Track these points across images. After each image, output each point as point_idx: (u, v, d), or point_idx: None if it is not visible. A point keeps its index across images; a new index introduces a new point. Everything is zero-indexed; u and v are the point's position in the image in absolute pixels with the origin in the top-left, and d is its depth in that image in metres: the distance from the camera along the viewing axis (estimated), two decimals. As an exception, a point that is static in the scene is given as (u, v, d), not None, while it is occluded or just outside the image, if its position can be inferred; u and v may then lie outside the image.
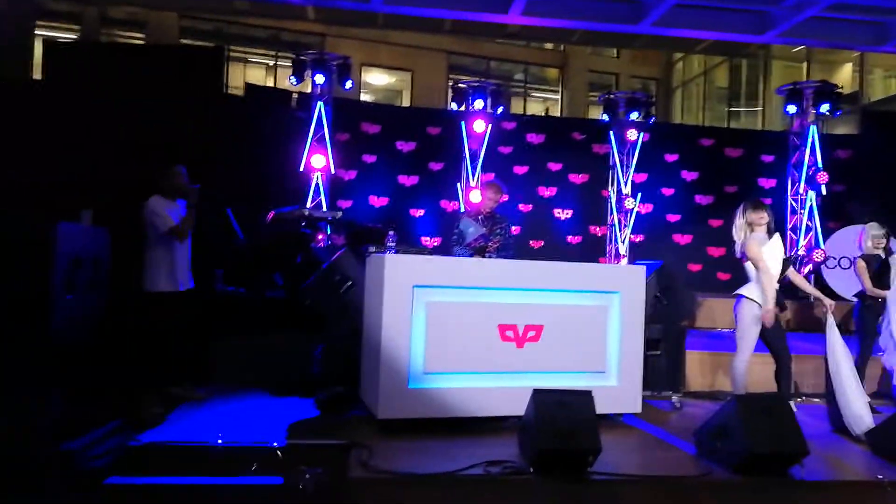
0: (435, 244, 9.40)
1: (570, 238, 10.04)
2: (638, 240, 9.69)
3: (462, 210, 8.51)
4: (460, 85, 9.12)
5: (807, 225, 8.91)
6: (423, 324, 4.16)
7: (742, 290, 4.94)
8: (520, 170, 9.93)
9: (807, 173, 8.88)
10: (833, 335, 4.64)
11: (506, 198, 9.40)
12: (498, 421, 4.26)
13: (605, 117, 9.46)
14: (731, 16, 9.12)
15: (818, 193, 8.85)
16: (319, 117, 8.13)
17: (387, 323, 4.07)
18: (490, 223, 5.88)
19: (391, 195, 9.37)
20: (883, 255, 5.62)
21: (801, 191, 8.96)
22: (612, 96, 9.48)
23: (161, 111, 7.49)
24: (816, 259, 8.63)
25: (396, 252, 4.44)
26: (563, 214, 10.05)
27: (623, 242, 9.30)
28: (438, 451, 3.75)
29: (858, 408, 4.43)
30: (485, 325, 4.30)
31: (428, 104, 14.16)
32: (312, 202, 7.73)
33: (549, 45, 20.34)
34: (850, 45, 10.01)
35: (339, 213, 6.56)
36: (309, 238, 6.72)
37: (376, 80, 19.05)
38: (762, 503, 3.44)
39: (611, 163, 9.51)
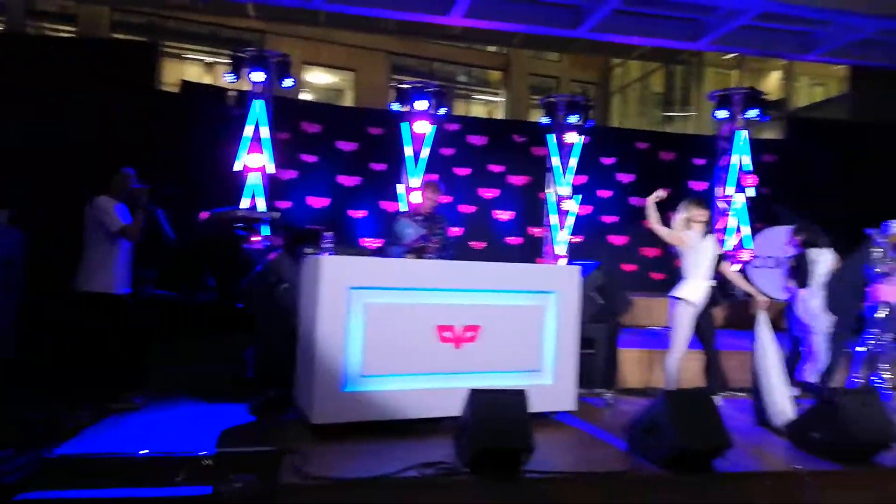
0: (376, 246, 9.32)
1: (510, 239, 10.14)
2: (576, 241, 9.86)
3: (401, 211, 8.47)
4: (402, 86, 9.06)
5: (735, 226, 9.26)
6: (361, 326, 4.12)
7: (675, 292, 5.13)
8: (462, 171, 9.96)
9: (735, 176, 9.23)
10: (763, 331, 4.82)
11: (448, 199, 9.51)
12: (435, 422, 4.26)
13: (545, 120, 9.59)
14: (666, 23, 9.40)
15: (746, 196, 9.21)
16: (258, 116, 7.94)
17: (322, 325, 4.01)
18: (430, 224, 5.88)
19: (332, 196, 9.24)
20: (802, 254, 5.88)
21: (729, 193, 9.30)
22: (551, 99, 9.61)
23: (89, 107, 7.22)
24: (743, 259, 8.98)
25: (333, 253, 4.39)
26: (503, 216, 10.13)
27: (562, 243, 9.44)
28: (374, 454, 3.73)
29: (782, 401, 4.63)
30: (423, 326, 4.30)
31: (371, 104, 14.06)
32: (249, 203, 7.54)
33: (492, 48, 20.52)
34: (777, 54, 10.46)
35: (277, 214, 6.43)
36: (244, 239, 6.57)
37: (318, 79, 18.80)
38: (689, 497, 3.54)
39: (550, 165, 9.65)
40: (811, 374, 5.50)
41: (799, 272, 5.83)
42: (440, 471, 3.43)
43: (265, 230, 7.00)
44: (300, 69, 17.33)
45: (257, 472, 3.24)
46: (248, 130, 7.77)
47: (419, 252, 5.71)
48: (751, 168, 9.19)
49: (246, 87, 8.29)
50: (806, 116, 13.87)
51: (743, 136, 9.22)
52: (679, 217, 5.17)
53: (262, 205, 7.53)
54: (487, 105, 21.15)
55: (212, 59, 17.31)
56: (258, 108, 7.86)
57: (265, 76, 7.72)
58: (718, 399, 5.00)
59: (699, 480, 3.59)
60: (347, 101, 18.32)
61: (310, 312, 4.21)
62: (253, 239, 6.77)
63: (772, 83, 16.72)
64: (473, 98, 21.21)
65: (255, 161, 7.68)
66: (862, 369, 6.00)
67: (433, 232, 5.84)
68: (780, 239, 8.09)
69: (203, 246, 6.51)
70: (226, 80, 8.20)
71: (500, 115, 20.18)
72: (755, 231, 9.33)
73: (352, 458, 3.69)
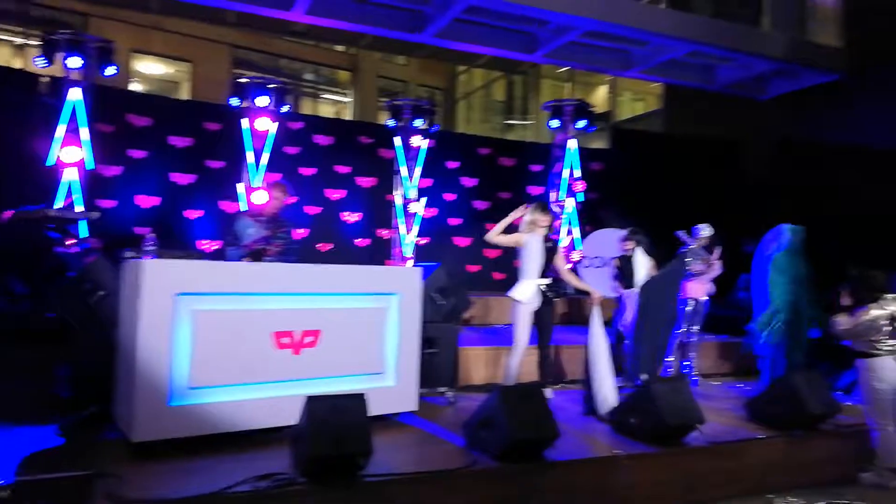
0: (214, 248, 8.84)
1: (358, 241, 10.07)
2: (423, 243, 10.02)
3: (243, 210, 8.10)
4: (242, 80, 8.67)
5: (567, 228, 9.92)
6: (189, 335, 3.86)
7: (511, 293, 5.34)
8: (307, 171, 9.73)
9: (567, 182, 9.88)
10: (595, 325, 5.15)
11: (294, 199, 9.23)
12: (274, 432, 4.11)
13: (392, 123, 9.64)
14: (505, 34, 9.81)
15: (576, 200, 9.89)
16: (75, 106, 7.19)
17: (144, 336, 3.71)
18: (273, 226, 5.66)
19: (163, 195, 8.62)
20: (630, 256, 6.38)
21: (561, 198, 9.94)
22: (397, 103, 9.68)
23: None
24: (574, 259, 9.62)
25: (157, 257, 4.07)
26: (351, 217, 10.05)
27: (408, 245, 9.55)
28: (204, 470, 3.51)
29: (607, 390, 4.98)
30: (258, 333, 4.12)
31: (211, 99, 13.30)
32: (63, 201, 6.80)
33: (340, 48, 20.29)
34: (602, 69, 11.30)
35: (97, 214, 5.83)
36: (56, 242, 5.91)
37: (151, 70, 17.47)
38: (520, 487, 3.71)
39: (396, 167, 9.72)
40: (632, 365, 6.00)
41: (623, 274, 6.33)
42: (276, 482, 3.30)
43: (82, 231, 6.35)
44: (129, 57, 16.02)
45: (63, 500, 2.92)
46: (64, 122, 7.02)
47: (258, 255, 5.48)
48: (579, 175, 9.88)
49: (62, 73, 7.50)
50: (628, 128, 15.13)
51: (573, 145, 9.88)
52: (524, 220, 5.43)
53: (79, 204, 6.83)
54: (336, 105, 20.88)
55: (22, 41, 15.46)
56: (75, 97, 7.13)
57: (82, 62, 7.01)
58: (549, 392, 5.30)
59: (530, 470, 3.77)
60: (184, 93, 17.21)
61: (131, 322, 3.87)
62: (67, 241, 6.10)
63: (600, 96, 18.09)
64: (322, 97, 20.84)
65: (71, 155, 6.96)
66: (673, 358, 6.67)
67: (275, 234, 5.62)
68: (606, 241, 8.78)
69: (7, 249, 5.78)
70: (37, 64, 7.35)
71: (348, 115, 20.01)
72: (584, 233, 10.03)
73: (179, 476, 3.44)
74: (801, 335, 6.48)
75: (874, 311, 4.47)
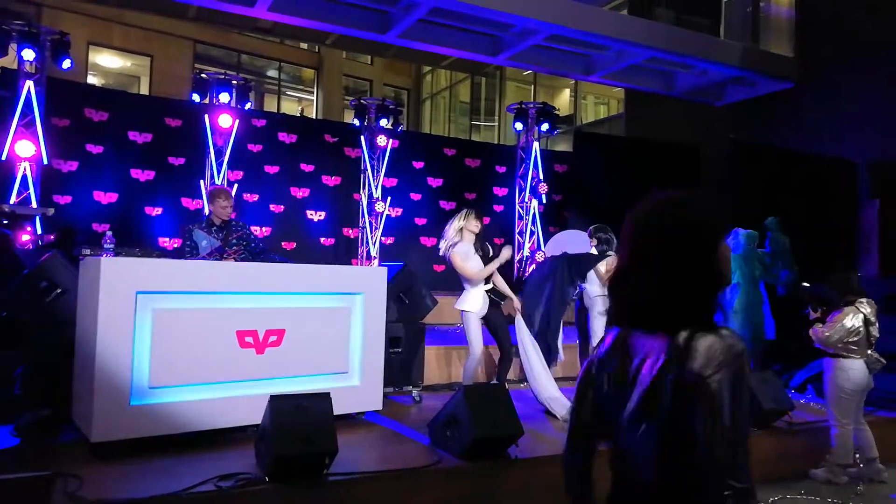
0: (175, 246, 8.70)
1: (323, 240, 10.03)
2: (388, 242, 10.02)
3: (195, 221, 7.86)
4: (203, 76, 8.56)
5: (531, 229, 10.03)
6: (149, 334, 3.80)
7: (458, 304, 5.24)
8: (271, 169, 9.66)
9: (530, 184, 9.99)
10: (521, 330, 5.12)
11: (255, 196, 9.12)
12: (238, 432, 4.08)
13: (356, 122, 9.62)
14: (469, 36, 9.88)
15: (540, 202, 10.01)
16: (28, 98, 7.01)
17: (103, 334, 3.64)
18: (224, 234, 5.24)
19: (122, 191, 8.44)
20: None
21: (526, 199, 10.05)
22: (362, 101, 9.68)
23: None
24: (538, 260, 9.74)
25: (116, 254, 3.99)
26: (316, 216, 9.99)
27: (374, 244, 9.55)
28: (166, 471, 3.46)
29: (551, 391, 5.02)
30: (221, 332, 4.08)
31: (171, 94, 13.06)
32: (17, 196, 6.61)
33: (304, 45, 20.11)
34: (565, 73, 11.45)
35: (51, 210, 5.67)
36: (9, 238, 5.74)
37: (110, 63, 17.07)
38: (483, 484, 3.76)
39: (362, 166, 9.71)
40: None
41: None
42: (239, 482, 3.28)
43: (36, 228, 6.18)
44: (86, 50, 15.64)
45: (20, 501, 2.84)
46: (17, 114, 6.83)
47: None
48: (542, 177, 10.00)
49: (15, 65, 7.29)
50: (591, 132, 15.36)
51: (537, 147, 10.01)
52: (453, 226, 5.20)
53: (33, 199, 6.65)
54: (301, 102, 20.71)
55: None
56: (29, 89, 6.94)
57: (35, 54, 6.83)
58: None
59: (494, 468, 3.82)
60: (143, 88, 16.85)
61: (89, 320, 3.79)
62: (21, 238, 5.93)
63: (563, 100, 18.31)
64: (286, 95, 20.64)
65: (24, 150, 6.77)
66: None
67: (228, 242, 5.28)
68: (569, 241, 8.90)
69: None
70: (-13, 56, 7.13)
71: (313, 113, 19.86)
72: (549, 234, 10.15)
73: (139, 477, 3.39)
74: (757, 335, 6.67)
75: (854, 317, 4.46)
